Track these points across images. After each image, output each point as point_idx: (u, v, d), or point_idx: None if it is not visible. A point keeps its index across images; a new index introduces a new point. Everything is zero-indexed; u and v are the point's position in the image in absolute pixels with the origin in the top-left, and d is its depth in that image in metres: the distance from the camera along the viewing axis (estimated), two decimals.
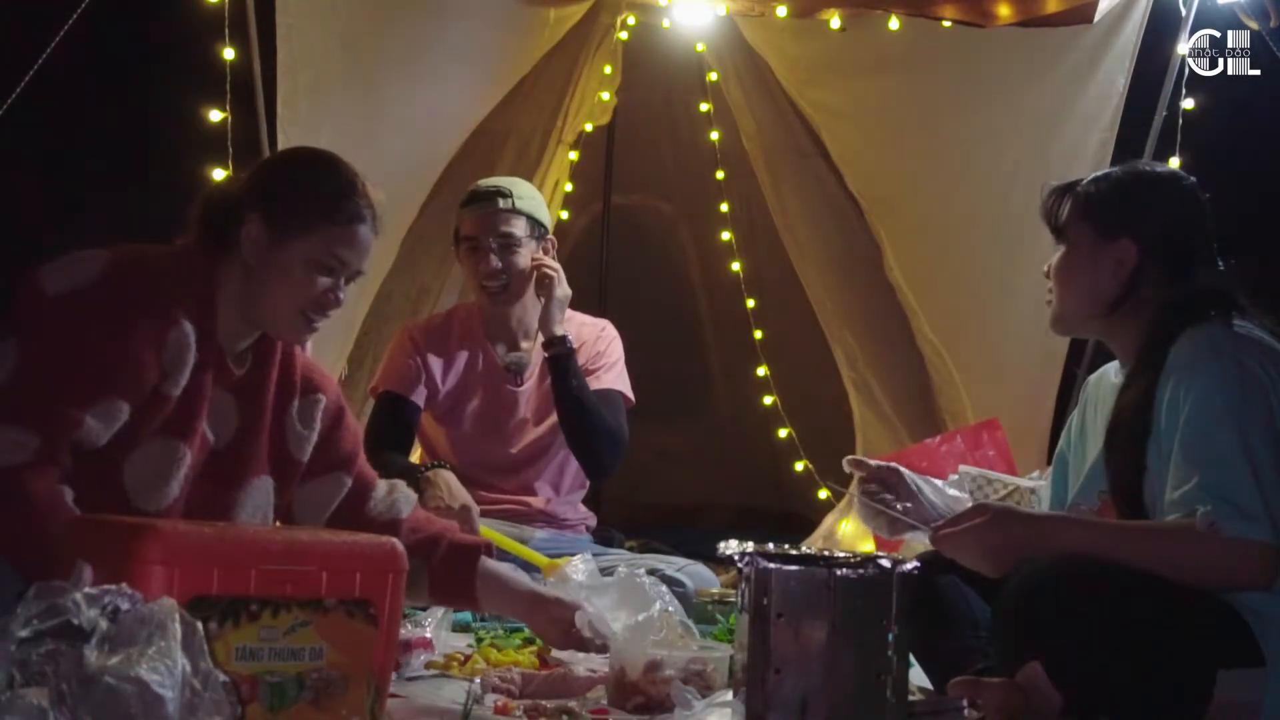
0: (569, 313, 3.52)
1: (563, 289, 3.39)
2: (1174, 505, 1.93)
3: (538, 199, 3.49)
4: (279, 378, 2.30)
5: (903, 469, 2.35)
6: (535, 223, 3.41)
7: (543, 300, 3.39)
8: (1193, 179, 2.25)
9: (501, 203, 3.37)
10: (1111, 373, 2.24)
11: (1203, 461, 1.91)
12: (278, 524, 2.31)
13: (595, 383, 3.44)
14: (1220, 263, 2.16)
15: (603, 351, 3.50)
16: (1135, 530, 2.00)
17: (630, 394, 3.52)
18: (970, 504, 2.21)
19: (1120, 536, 1.99)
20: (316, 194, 2.22)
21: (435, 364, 3.44)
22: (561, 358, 3.36)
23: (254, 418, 2.25)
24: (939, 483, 2.39)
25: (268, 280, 2.19)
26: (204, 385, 2.16)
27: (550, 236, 3.48)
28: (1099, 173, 2.24)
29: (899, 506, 2.27)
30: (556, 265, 3.42)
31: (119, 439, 2.05)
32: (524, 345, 3.50)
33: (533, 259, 3.40)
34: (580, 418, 3.37)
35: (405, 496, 2.47)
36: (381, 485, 2.45)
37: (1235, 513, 1.86)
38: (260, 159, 3.23)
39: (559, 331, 3.37)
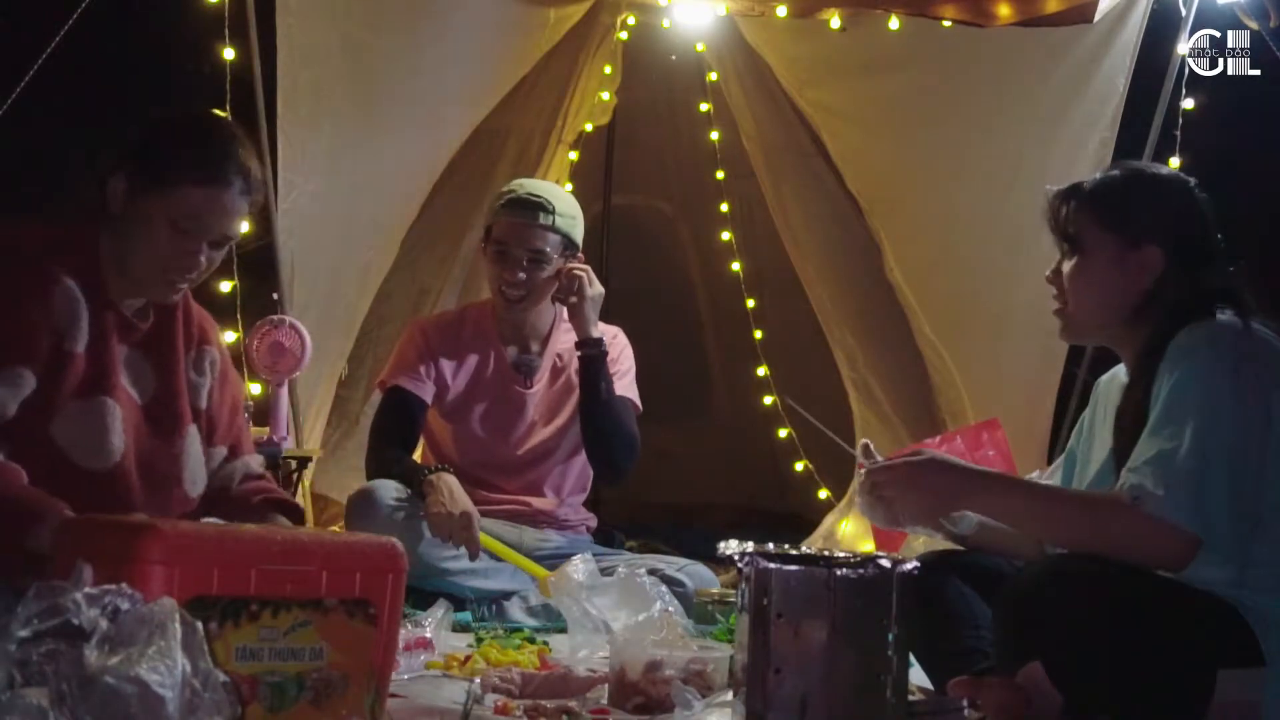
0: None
1: (595, 288, 3.38)
2: (1121, 477, 1.95)
3: (577, 218, 3.42)
4: (184, 329, 2.33)
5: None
6: (569, 242, 3.39)
7: (574, 301, 3.36)
8: (1195, 181, 2.25)
9: (542, 218, 3.32)
10: (1122, 374, 2.23)
11: (1159, 440, 1.92)
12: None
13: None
14: (1226, 263, 2.16)
15: (615, 359, 3.48)
16: (1062, 496, 2.08)
17: (639, 402, 3.52)
18: None
19: (1049, 502, 2.05)
20: (178, 152, 2.19)
21: (446, 362, 3.42)
22: (595, 359, 3.36)
23: (170, 371, 2.29)
24: None
25: (129, 237, 2.19)
26: (109, 339, 2.19)
27: (579, 254, 3.46)
28: (1103, 176, 2.20)
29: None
30: (585, 265, 3.41)
31: (38, 406, 2.09)
32: (534, 348, 3.49)
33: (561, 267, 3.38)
34: (605, 421, 3.37)
35: (244, 466, 2.45)
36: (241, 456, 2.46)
37: (1161, 493, 1.87)
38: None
39: (595, 333, 3.37)
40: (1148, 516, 1.88)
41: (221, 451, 2.41)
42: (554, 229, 3.34)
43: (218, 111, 2.36)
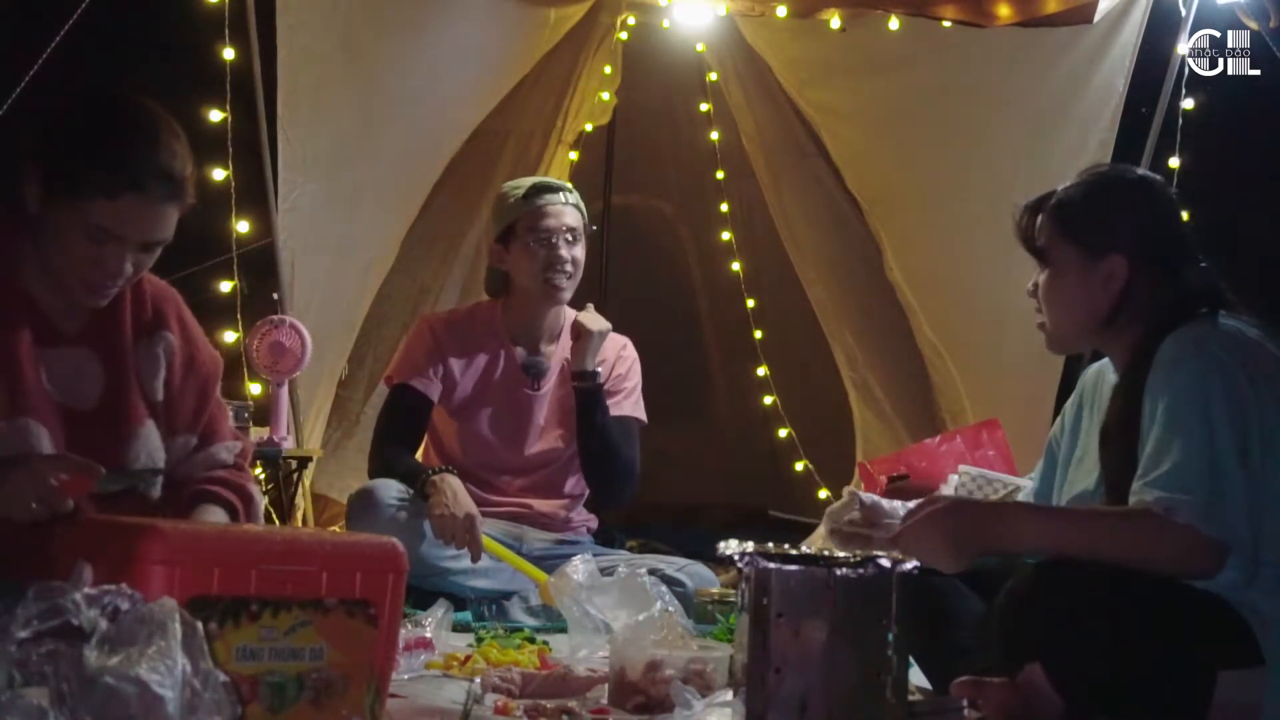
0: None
1: (601, 323, 3.38)
2: (1136, 493, 1.94)
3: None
4: (133, 317, 2.17)
5: (861, 496, 2.33)
6: (586, 221, 3.46)
7: (585, 330, 3.36)
8: (1161, 179, 2.26)
9: (566, 197, 3.41)
10: (1109, 370, 2.24)
11: (1169, 454, 1.92)
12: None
13: (615, 409, 3.44)
14: (1201, 259, 2.16)
15: (624, 374, 3.48)
16: (1090, 516, 2.03)
17: (644, 416, 3.53)
18: None
19: (1075, 522, 2.02)
20: (85, 162, 1.98)
21: (455, 361, 3.41)
22: (592, 392, 3.35)
23: (120, 366, 2.13)
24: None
25: (47, 242, 2.03)
26: (16, 349, 2.03)
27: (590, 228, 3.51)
28: (1070, 185, 2.18)
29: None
30: (593, 311, 3.43)
31: None
32: (544, 349, 3.48)
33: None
34: (602, 452, 3.38)
35: (209, 457, 2.24)
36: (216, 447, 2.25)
37: (1190, 502, 1.87)
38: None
39: (590, 367, 3.36)
40: (1182, 527, 1.86)
41: (189, 441, 2.21)
42: (578, 207, 3.42)
43: (131, 99, 2.10)
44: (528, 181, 3.47)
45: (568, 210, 3.38)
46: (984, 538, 2.00)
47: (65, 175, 2.00)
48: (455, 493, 3.15)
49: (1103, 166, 2.26)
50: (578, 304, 3.55)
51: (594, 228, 3.51)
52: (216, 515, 2.10)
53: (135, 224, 2.00)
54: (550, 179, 3.50)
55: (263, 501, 2.26)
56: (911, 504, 2.18)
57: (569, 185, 3.47)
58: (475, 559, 3.13)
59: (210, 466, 2.24)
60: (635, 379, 3.51)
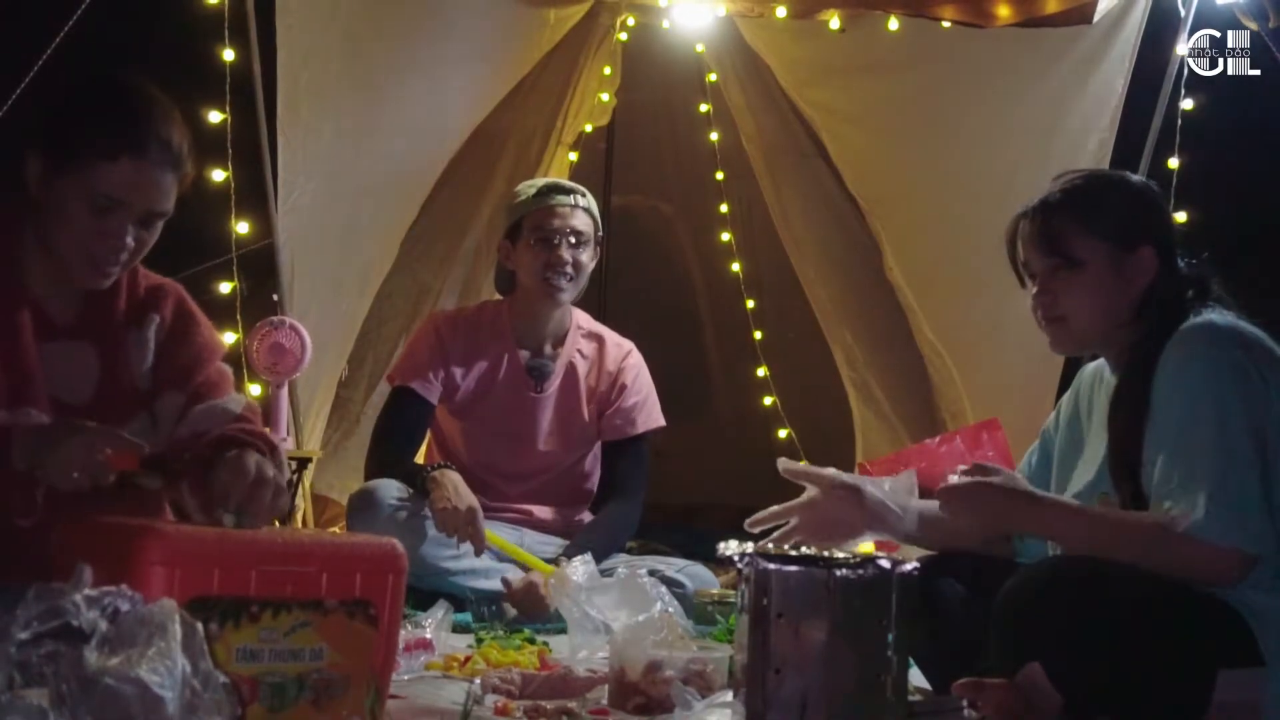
0: (596, 326, 3.55)
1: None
2: (1154, 503, 1.95)
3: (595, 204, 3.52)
4: (127, 306, 2.16)
5: (846, 477, 2.38)
6: (598, 227, 3.45)
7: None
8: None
9: (578, 199, 3.40)
10: (1106, 370, 2.24)
11: (1183, 459, 1.92)
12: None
13: (627, 428, 3.46)
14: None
15: (628, 386, 3.48)
16: (1112, 520, 2.03)
17: (661, 419, 3.52)
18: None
19: (1097, 524, 2.03)
20: (85, 126, 2.02)
21: (458, 363, 3.41)
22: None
23: (113, 359, 2.13)
24: (887, 482, 2.41)
25: (49, 220, 2.04)
26: (21, 339, 2.04)
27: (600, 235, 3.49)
28: (1067, 185, 2.18)
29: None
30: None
31: None
32: (548, 350, 3.48)
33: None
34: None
35: (214, 410, 2.17)
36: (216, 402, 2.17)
37: (1208, 514, 1.87)
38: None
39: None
40: (1200, 541, 1.87)
41: (175, 399, 2.15)
42: (589, 212, 3.42)
43: (128, 77, 2.11)
44: (542, 181, 3.50)
45: (576, 213, 3.38)
46: (1018, 519, 2.11)
47: (65, 144, 2.02)
48: (456, 486, 3.15)
49: (1083, 170, 2.26)
50: (582, 307, 3.55)
51: (600, 234, 3.48)
52: (249, 458, 1.95)
53: (136, 189, 2.02)
54: (565, 181, 3.51)
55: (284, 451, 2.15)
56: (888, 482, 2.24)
57: (583, 189, 3.46)
58: (479, 552, 3.12)
59: (223, 418, 2.15)
60: (644, 388, 3.51)
